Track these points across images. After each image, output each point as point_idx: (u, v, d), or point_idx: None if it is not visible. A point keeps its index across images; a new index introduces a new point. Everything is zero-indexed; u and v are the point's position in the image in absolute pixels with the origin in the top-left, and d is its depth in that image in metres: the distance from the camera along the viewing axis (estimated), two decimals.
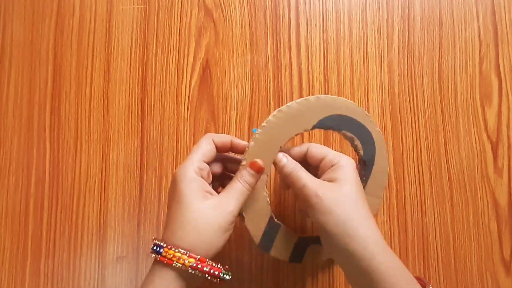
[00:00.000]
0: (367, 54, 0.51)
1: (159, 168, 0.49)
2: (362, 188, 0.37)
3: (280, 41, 0.51)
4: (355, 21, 0.52)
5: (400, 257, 0.47)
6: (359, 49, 0.51)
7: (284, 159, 0.38)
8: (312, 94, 0.50)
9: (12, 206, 0.48)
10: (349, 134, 0.44)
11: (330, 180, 0.36)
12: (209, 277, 0.33)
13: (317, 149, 0.39)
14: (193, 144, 0.49)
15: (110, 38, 0.52)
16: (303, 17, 0.52)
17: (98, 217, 0.48)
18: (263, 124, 0.41)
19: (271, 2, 0.52)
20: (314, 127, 0.43)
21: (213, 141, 0.37)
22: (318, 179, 0.37)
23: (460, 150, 0.50)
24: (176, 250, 0.32)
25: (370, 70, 0.51)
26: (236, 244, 0.47)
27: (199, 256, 0.32)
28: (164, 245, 0.32)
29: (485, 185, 0.49)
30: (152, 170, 0.49)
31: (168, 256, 0.32)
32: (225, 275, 0.34)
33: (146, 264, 0.47)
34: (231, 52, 0.51)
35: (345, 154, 0.39)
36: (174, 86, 0.50)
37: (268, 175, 0.42)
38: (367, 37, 0.52)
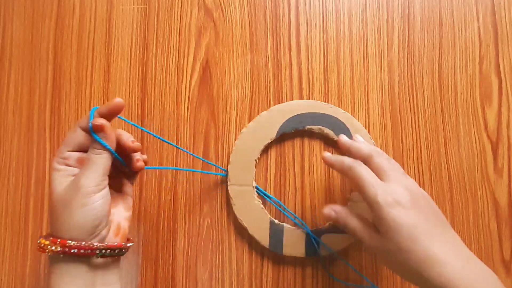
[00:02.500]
0: (367, 54, 0.51)
1: None
2: (424, 220, 0.34)
3: (280, 41, 0.51)
4: (355, 21, 0.52)
5: None
6: (359, 49, 0.51)
7: (332, 212, 0.39)
8: (312, 94, 0.50)
9: (12, 206, 0.48)
10: (315, 127, 0.48)
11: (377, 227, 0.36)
12: (96, 257, 0.32)
13: (354, 176, 0.38)
14: (193, 144, 0.49)
15: (110, 38, 0.52)
16: (303, 17, 0.52)
17: None
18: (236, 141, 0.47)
19: (271, 2, 0.52)
20: (278, 134, 0.48)
21: (79, 127, 0.34)
22: (366, 227, 0.37)
23: (460, 150, 0.50)
24: (47, 239, 0.32)
25: (370, 70, 0.51)
26: (236, 244, 0.47)
27: (59, 240, 0.31)
28: (41, 237, 0.33)
29: (485, 185, 0.49)
30: (152, 170, 0.49)
31: (42, 245, 0.32)
32: (101, 251, 0.32)
33: (146, 264, 0.47)
34: (231, 52, 0.51)
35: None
36: (174, 86, 0.50)
37: (253, 186, 0.47)
38: (367, 37, 0.52)
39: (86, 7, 0.52)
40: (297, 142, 0.49)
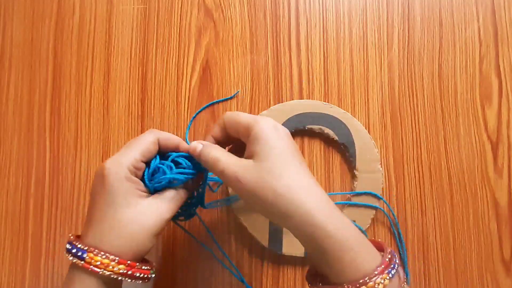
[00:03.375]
0: (367, 54, 0.51)
1: None
2: (293, 150, 0.31)
3: (280, 41, 0.51)
4: (355, 21, 0.52)
5: (400, 257, 0.47)
6: (359, 49, 0.51)
7: (199, 146, 0.33)
8: (312, 94, 0.50)
9: (12, 206, 0.48)
10: (315, 126, 0.48)
11: (251, 155, 0.31)
12: (139, 281, 0.31)
13: (233, 121, 0.33)
14: None
15: (110, 38, 0.52)
16: (303, 17, 0.52)
17: None
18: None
19: (271, 2, 0.52)
20: None
21: (158, 140, 0.34)
22: (239, 157, 0.32)
23: (460, 150, 0.50)
24: (104, 256, 0.29)
25: (370, 70, 0.51)
26: (236, 244, 0.47)
27: (129, 262, 0.30)
28: (88, 250, 0.29)
29: (485, 185, 0.49)
30: None
31: (94, 263, 0.29)
32: (151, 275, 0.32)
33: None
34: (231, 52, 0.51)
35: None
36: (174, 86, 0.50)
37: None
38: (367, 37, 0.52)
39: (86, 7, 0.52)
40: (297, 141, 0.49)
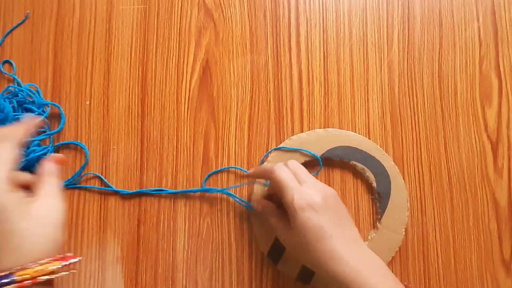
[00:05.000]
0: (367, 54, 0.51)
1: (159, 168, 0.49)
2: (330, 221, 0.37)
3: (280, 41, 0.51)
4: (355, 21, 0.52)
5: (400, 257, 0.47)
6: (359, 49, 0.51)
7: (257, 206, 0.44)
8: (312, 94, 0.50)
9: None
10: (359, 165, 0.47)
11: (291, 222, 0.39)
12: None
13: (274, 182, 0.41)
14: (193, 144, 0.49)
15: (110, 38, 0.52)
16: (303, 17, 0.52)
17: (98, 217, 0.48)
18: (273, 148, 0.48)
19: (271, 2, 0.52)
20: (323, 156, 0.47)
21: (19, 142, 0.33)
22: (287, 221, 0.39)
23: (460, 150, 0.50)
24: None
25: (370, 70, 0.51)
26: (236, 244, 0.47)
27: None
28: (14, 270, 0.28)
29: (485, 185, 0.49)
30: (152, 170, 0.49)
31: (26, 278, 0.28)
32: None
33: (146, 264, 0.47)
34: (231, 52, 0.51)
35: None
36: (174, 86, 0.50)
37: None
38: (367, 37, 0.52)
39: (86, 7, 0.52)
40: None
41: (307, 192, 0.38)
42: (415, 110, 0.50)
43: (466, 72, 0.51)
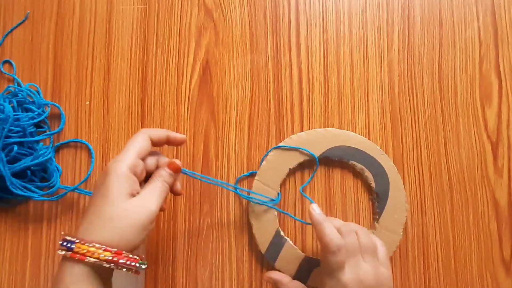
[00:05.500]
0: (367, 54, 0.51)
1: None
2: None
3: (280, 41, 0.51)
4: (355, 21, 0.52)
5: (400, 257, 0.47)
6: (359, 49, 0.51)
7: (314, 211, 0.40)
8: (312, 94, 0.50)
9: (12, 205, 0.48)
10: (358, 165, 0.47)
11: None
12: (124, 269, 0.32)
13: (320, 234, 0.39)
14: (193, 144, 0.49)
15: (110, 38, 0.52)
16: (303, 17, 0.52)
17: None
18: (273, 147, 0.47)
19: (271, 2, 0.52)
20: (322, 155, 0.47)
21: (149, 137, 0.37)
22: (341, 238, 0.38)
23: (460, 150, 0.50)
24: (91, 245, 0.31)
25: (370, 70, 0.51)
26: (236, 244, 0.47)
27: (115, 249, 0.31)
28: (77, 241, 0.31)
29: (485, 185, 0.49)
30: None
31: (81, 252, 0.30)
32: (141, 265, 0.33)
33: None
34: (231, 52, 0.51)
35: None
36: (174, 86, 0.50)
37: (277, 192, 0.47)
38: (367, 37, 0.52)
39: (86, 7, 0.52)
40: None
41: (363, 270, 0.37)
42: (415, 110, 0.50)
43: (466, 72, 0.51)
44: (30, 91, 0.49)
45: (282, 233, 0.46)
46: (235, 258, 0.47)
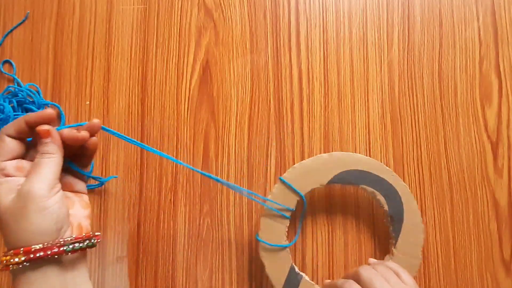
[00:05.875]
0: (367, 54, 0.51)
1: (159, 168, 0.49)
2: None
3: (280, 41, 0.51)
4: (355, 21, 0.52)
5: None
6: (359, 49, 0.51)
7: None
8: (312, 94, 0.50)
9: None
10: (369, 188, 0.45)
11: None
12: (56, 256, 0.30)
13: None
14: (193, 144, 0.49)
15: (110, 38, 0.52)
16: (303, 17, 0.52)
17: (98, 217, 0.48)
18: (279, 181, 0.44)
19: (271, 2, 0.52)
20: (330, 182, 0.44)
21: (7, 136, 0.32)
22: None
23: (460, 150, 0.50)
24: (6, 255, 0.29)
25: (370, 70, 0.51)
26: (236, 244, 0.47)
27: (22, 248, 0.29)
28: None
29: (485, 185, 0.49)
30: (152, 170, 0.49)
31: (5, 263, 0.29)
32: (68, 246, 0.31)
33: (146, 264, 0.47)
34: (231, 52, 0.51)
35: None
36: (174, 86, 0.50)
37: (286, 226, 0.44)
38: (367, 37, 0.52)
39: (86, 7, 0.52)
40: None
41: None
42: (415, 110, 0.50)
43: (466, 72, 0.51)
44: (30, 91, 0.49)
45: (297, 269, 0.44)
46: (235, 258, 0.47)
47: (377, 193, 0.44)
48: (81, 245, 0.32)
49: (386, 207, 0.44)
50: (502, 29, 0.52)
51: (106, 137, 0.49)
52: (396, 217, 0.44)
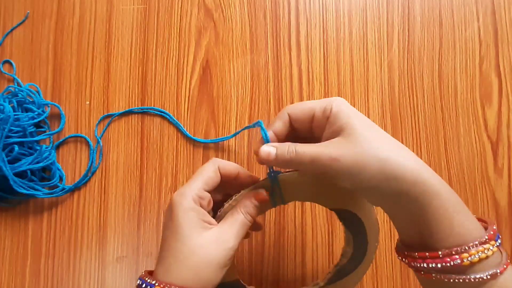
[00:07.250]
0: (367, 54, 0.51)
1: (159, 168, 0.49)
2: (370, 121, 0.30)
3: (280, 41, 0.51)
4: (355, 21, 0.52)
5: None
6: (359, 49, 0.51)
7: (273, 149, 0.31)
8: (312, 94, 0.50)
9: (12, 205, 0.48)
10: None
11: (336, 133, 0.30)
12: None
13: (300, 110, 0.32)
14: (193, 144, 0.49)
15: (110, 38, 0.52)
16: (303, 17, 0.52)
17: (98, 217, 0.48)
18: None
19: (271, 2, 0.52)
20: None
21: (218, 168, 0.33)
22: (322, 143, 0.30)
23: (460, 150, 0.50)
24: None
25: (370, 70, 0.51)
26: None
27: None
28: (156, 284, 0.29)
29: (485, 185, 0.49)
30: (152, 170, 0.49)
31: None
32: None
33: (146, 264, 0.47)
34: (231, 52, 0.51)
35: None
36: (174, 86, 0.50)
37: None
38: (367, 37, 0.52)
39: (86, 7, 0.52)
40: None
41: (338, 98, 0.31)
42: (415, 110, 0.50)
43: (466, 72, 0.51)
44: (30, 91, 0.49)
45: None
46: (235, 258, 0.47)
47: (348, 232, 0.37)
48: None
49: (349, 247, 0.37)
50: (502, 29, 0.52)
51: (106, 137, 0.49)
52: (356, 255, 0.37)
